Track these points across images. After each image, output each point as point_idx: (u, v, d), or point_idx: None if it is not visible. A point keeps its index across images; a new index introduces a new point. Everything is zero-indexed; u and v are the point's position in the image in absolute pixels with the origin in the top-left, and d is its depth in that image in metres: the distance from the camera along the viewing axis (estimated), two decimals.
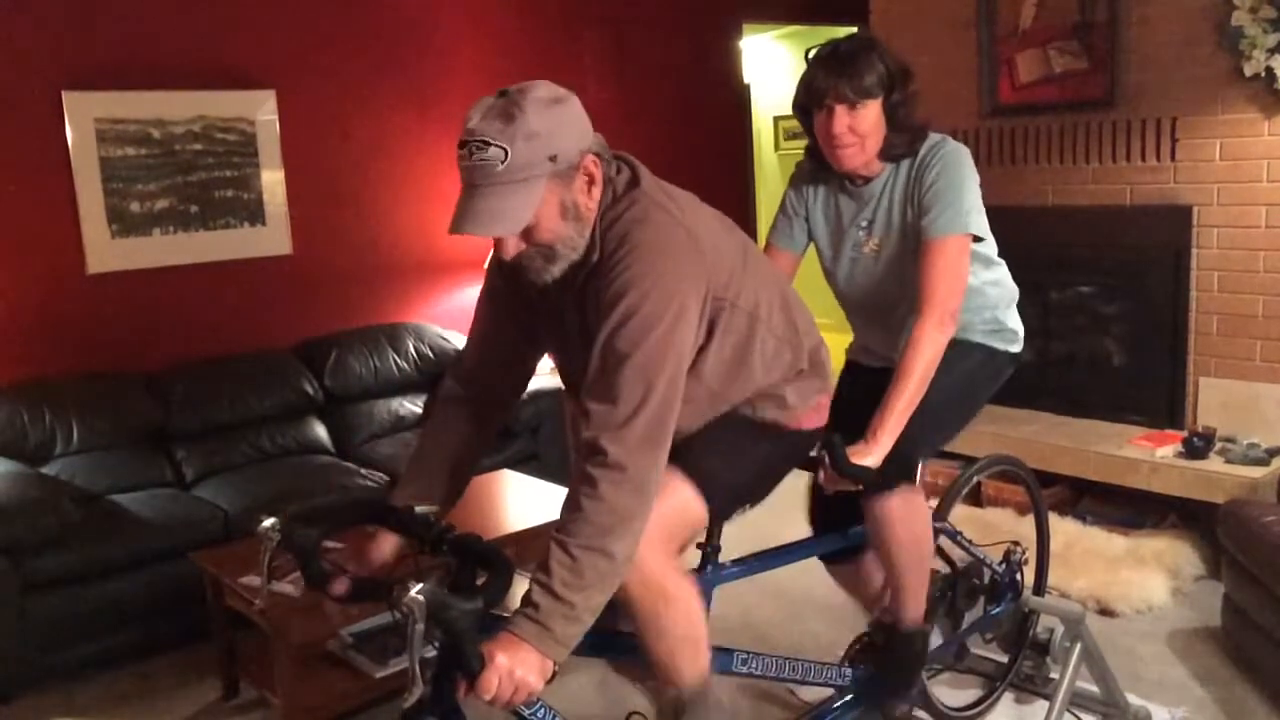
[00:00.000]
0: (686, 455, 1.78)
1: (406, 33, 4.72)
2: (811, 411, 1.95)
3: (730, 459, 1.85)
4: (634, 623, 1.75)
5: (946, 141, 2.18)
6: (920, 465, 2.33)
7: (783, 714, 2.82)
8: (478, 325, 1.89)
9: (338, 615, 2.74)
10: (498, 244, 1.59)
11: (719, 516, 1.93)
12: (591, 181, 1.62)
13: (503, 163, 1.50)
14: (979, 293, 2.26)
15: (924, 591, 2.33)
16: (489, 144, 1.50)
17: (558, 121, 1.55)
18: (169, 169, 4.09)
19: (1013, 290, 2.38)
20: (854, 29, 5.65)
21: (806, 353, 1.89)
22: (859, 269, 2.28)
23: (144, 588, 3.29)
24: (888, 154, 2.16)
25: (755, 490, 1.97)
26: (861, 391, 2.22)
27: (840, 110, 2.09)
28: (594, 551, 1.49)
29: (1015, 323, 2.39)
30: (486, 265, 1.86)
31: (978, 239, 2.16)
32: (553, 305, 1.74)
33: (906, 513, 2.20)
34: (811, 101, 2.14)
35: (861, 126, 2.10)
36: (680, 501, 1.76)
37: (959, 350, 2.19)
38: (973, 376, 2.31)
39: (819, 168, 2.27)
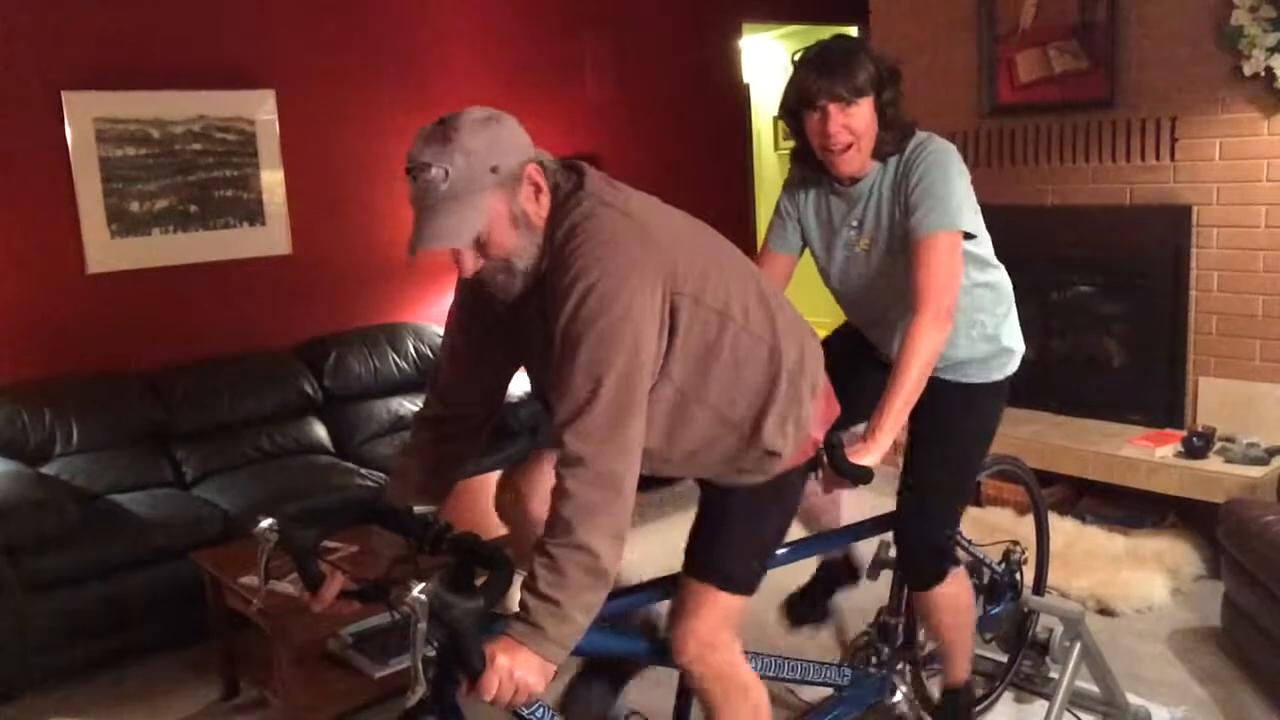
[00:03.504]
0: (713, 566, 1.86)
1: (406, 33, 4.72)
2: (808, 445, 1.93)
3: (755, 549, 1.92)
4: (704, 711, 1.90)
5: (932, 139, 2.17)
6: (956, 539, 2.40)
7: (783, 714, 2.82)
8: (449, 344, 1.90)
9: (337, 615, 2.74)
10: (458, 263, 1.62)
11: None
12: (538, 190, 1.64)
13: (445, 181, 1.55)
14: (968, 294, 2.21)
15: (970, 651, 2.46)
16: (430, 165, 1.55)
17: (494, 136, 1.59)
18: (169, 169, 4.09)
19: (1008, 296, 2.33)
20: (854, 29, 5.67)
21: (791, 356, 1.83)
22: (852, 269, 2.27)
23: (144, 588, 3.29)
24: (878, 152, 2.15)
25: (778, 545, 2.03)
26: (852, 351, 2.33)
27: (834, 110, 2.08)
28: (569, 547, 1.49)
29: (1011, 337, 2.33)
30: (456, 285, 1.87)
31: (969, 236, 2.14)
32: (518, 318, 1.75)
33: (953, 596, 2.32)
34: (803, 103, 2.13)
35: (856, 125, 2.09)
36: (725, 614, 1.86)
37: (958, 414, 2.26)
38: (976, 437, 2.34)
39: (808, 171, 2.27)
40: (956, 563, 2.35)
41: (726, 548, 1.88)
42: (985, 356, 2.29)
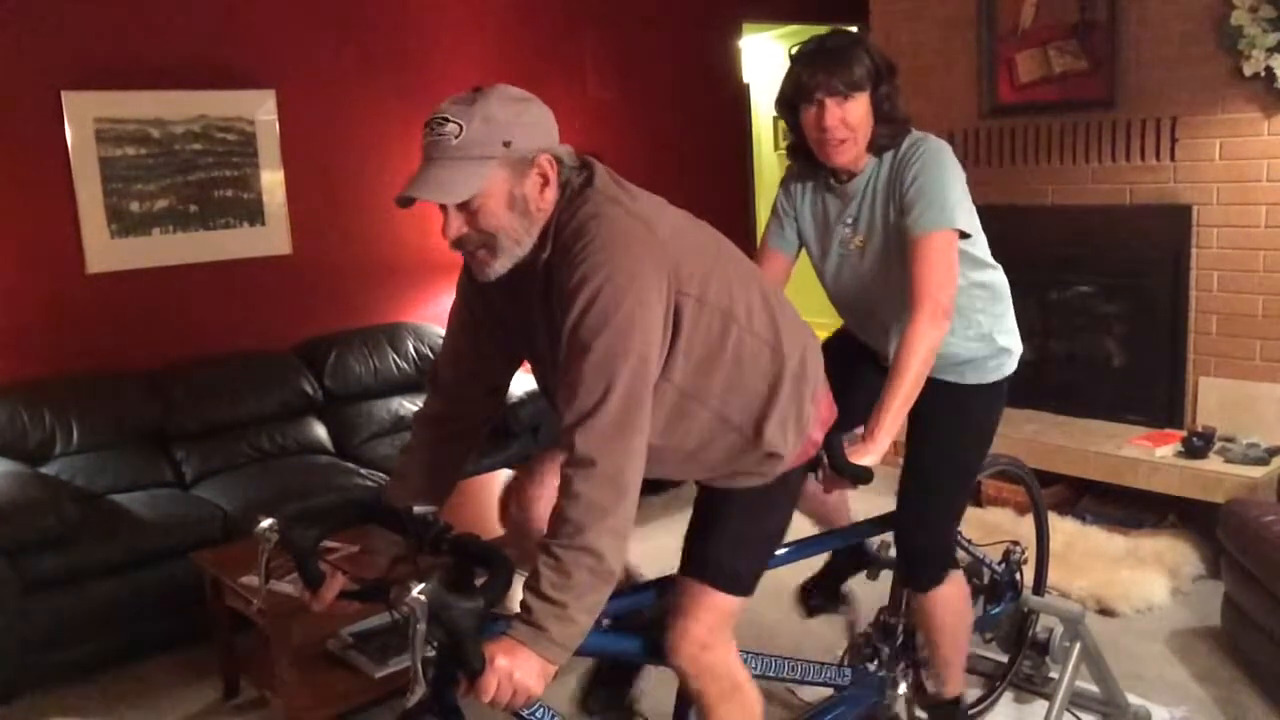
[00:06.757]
0: (711, 565, 1.86)
1: (406, 33, 4.72)
2: (807, 446, 1.92)
3: (754, 550, 1.91)
4: (697, 710, 1.90)
5: (927, 138, 2.17)
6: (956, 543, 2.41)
7: (783, 714, 2.82)
8: (451, 343, 1.89)
9: (337, 615, 2.74)
10: (444, 223, 1.62)
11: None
12: (546, 182, 1.64)
13: (457, 137, 1.56)
14: (964, 293, 2.20)
15: (964, 662, 2.45)
16: (447, 120, 1.57)
17: (518, 113, 1.61)
18: (169, 169, 4.09)
19: (1005, 297, 2.32)
20: (854, 29, 5.67)
21: (793, 358, 1.83)
22: (846, 266, 2.27)
23: (144, 588, 3.29)
24: (874, 146, 2.15)
25: (777, 545, 2.03)
26: (851, 354, 2.31)
27: (831, 104, 2.08)
28: (576, 549, 1.49)
29: (1007, 337, 2.32)
30: (458, 282, 1.87)
31: (964, 235, 2.14)
32: (522, 315, 1.75)
33: (951, 598, 2.31)
34: (800, 97, 2.13)
35: (852, 120, 2.09)
36: (722, 614, 1.86)
37: (956, 417, 2.25)
38: (975, 439, 2.33)
39: (805, 167, 2.27)
40: (956, 565, 2.35)
41: (724, 547, 1.87)
42: (982, 357, 2.28)
